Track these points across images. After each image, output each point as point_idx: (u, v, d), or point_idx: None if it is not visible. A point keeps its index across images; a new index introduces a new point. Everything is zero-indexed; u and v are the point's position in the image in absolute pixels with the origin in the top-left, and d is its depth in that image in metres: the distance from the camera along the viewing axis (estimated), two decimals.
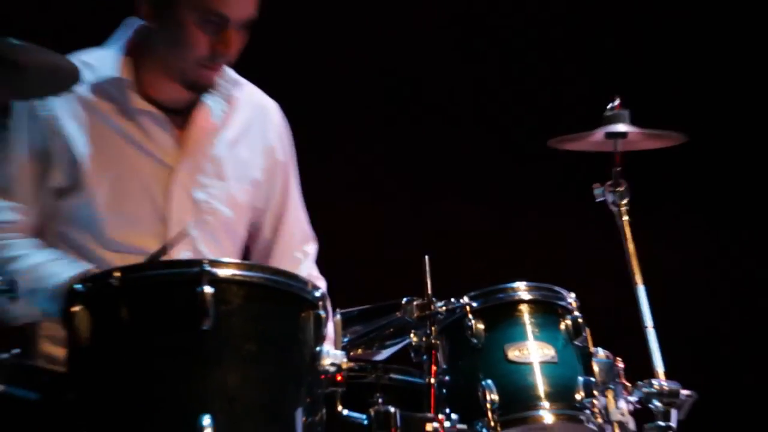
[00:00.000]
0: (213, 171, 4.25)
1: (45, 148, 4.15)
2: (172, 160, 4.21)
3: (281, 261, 4.40)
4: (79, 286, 3.45)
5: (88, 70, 4.15)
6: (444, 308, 3.69)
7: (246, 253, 4.43)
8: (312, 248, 4.53)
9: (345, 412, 3.53)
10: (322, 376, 3.46)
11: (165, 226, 4.17)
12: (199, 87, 4.17)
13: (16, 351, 3.80)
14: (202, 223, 4.22)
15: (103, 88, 4.18)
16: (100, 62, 4.20)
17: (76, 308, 3.41)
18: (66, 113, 4.16)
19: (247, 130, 4.34)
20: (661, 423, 3.85)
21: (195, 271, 3.37)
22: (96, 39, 4.32)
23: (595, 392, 3.71)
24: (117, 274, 3.44)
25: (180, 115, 4.22)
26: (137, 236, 4.14)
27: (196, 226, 4.20)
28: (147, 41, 4.16)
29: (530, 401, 3.66)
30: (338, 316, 3.62)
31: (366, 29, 4.33)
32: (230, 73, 4.26)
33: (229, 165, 4.28)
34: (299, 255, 4.48)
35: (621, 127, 4.35)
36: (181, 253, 4.09)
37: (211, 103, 4.24)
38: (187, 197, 4.21)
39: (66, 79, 3.84)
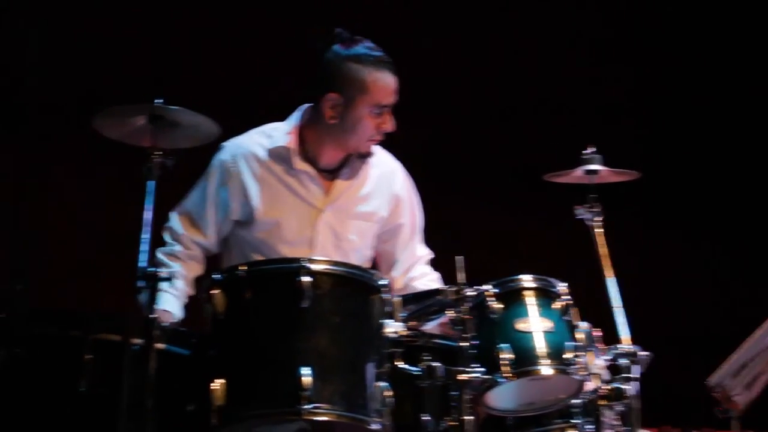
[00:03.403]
0: (349, 212, 4.25)
1: (228, 193, 4.20)
2: (321, 204, 4.21)
3: (397, 272, 4.42)
4: (217, 276, 3.47)
5: (268, 138, 4.23)
6: (472, 293, 3.63)
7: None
8: (423, 266, 4.48)
9: (402, 365, 3.50)
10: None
11: (311, 249, 4.18)
12: (368, 155, 4.22)
13: (174, 320, 3.79)
14: (336, 248, 4.23)
15: (278, 154, 4.20)
16: (276, 133, 4.23)
17: (215, 291, 3.43)
18: (247, 169, 4.20)
19: (378, 183, 4.32)
20: (626, 375, 3.78)
21: (297, 266, 3.41)
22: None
23: (580, 353, 3.65)
24: (243, 267, 3.48)
25: (329, 173, 4.23)
26: (290, 255, 4.11)
27: (333, 249, 4.20)
28: (319, 128, 4.17)
29: (534, 359, 3.60)
30: (397, 298, 3.56)
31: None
32: None
33: (362, 208, 4.28)
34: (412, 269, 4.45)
35: (594, 167, 4.28)
36: None
37: (352, 165, 4.25)
38: (329, 231, 4.22)
39: (207, 134, 3.80)
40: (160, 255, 4.20)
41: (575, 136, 4.37)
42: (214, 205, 4.22)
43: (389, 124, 4.13)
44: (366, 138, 4.14)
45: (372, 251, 4.39)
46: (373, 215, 4.31)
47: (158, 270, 3.39)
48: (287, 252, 4.15)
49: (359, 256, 4.30)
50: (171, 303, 4.05)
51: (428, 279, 4.40)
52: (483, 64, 6.46)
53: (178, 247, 4.22)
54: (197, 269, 4.24)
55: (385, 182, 4.35)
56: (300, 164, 4.18)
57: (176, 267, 4.17)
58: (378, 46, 4.14)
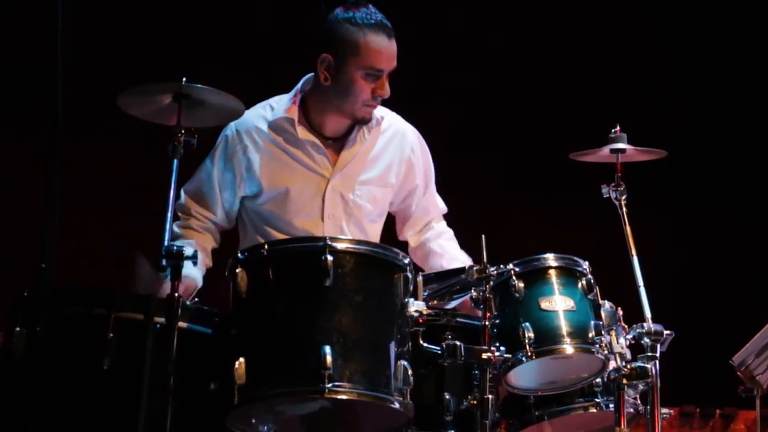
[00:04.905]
0: (357, 179, 4.17)
1: (232, 168, 4.14)
2: (328, 173, 4.13)
3: (412, 230, 4.36)
4: (240, 255, 3.42)
5: (271, 110, 4.17)
6: (495, 272, 3.56)
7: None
8: (437, 224, 4.40)
9: (425, 344, 3.45)
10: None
11: (322, 218, 4.12)
12: (364, 120, 4.12)
13: (196, 300, 3.75)
14: (348, 215, 4.16)
15: (280, 124, 4.13)
16: (279, 105, 4.17)
17: (238, 270, 3.38)
18: (251, 143, 4.14)
19: (387, 148, 4.23)
20: (649, 354, 3.71)
21: (320, 244, 3.35)
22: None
23: (603, 332, 3.58)
24: (266, 246, 3.44)
25: (336, 141, 4.15)
26: (302, 225, 4.10)
27: (345, 217, 4.14)
28: (318, 93, 4.10)
29: (556, 338, 3.54)
30: (420, 277, 3.49)
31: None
32: (378, 108, 4.18)
33: (371, 174, 4.19)
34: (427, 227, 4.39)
35: (621, 146, 4.20)
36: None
37: (359, 132, 4.17)
38: (338, 198, 4.14)
39: (234, 112, 3.76)
40: (175, 228, 4.15)
41: (602, 116, 4.31)
42: (219, 183, 4.16)
43: (384, 90, 4.03)
44: (360, 102, 4.04)
45: (384, 216, 4.32)
46: (383, 180, 4.22)
47: (183, 248, 3.33)
48: (298, 223, 4.11)
49: (374, 223, 4.23)
50: (192, 270, 3.95)
51: (444, 239, 4.34)
52: (511, 42, 6.40)
53: (191, 221, 4.19)
54: (212, 241, 4.20)
55: (396, 146, 4.26)
56: (304, 134, 4.12)
57: (191, 240, 4.13)
58: (384, 13, 4.06)
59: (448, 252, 4.30)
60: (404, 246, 4.27)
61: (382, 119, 4.20)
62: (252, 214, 4.18)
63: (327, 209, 4.12)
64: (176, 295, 3.28)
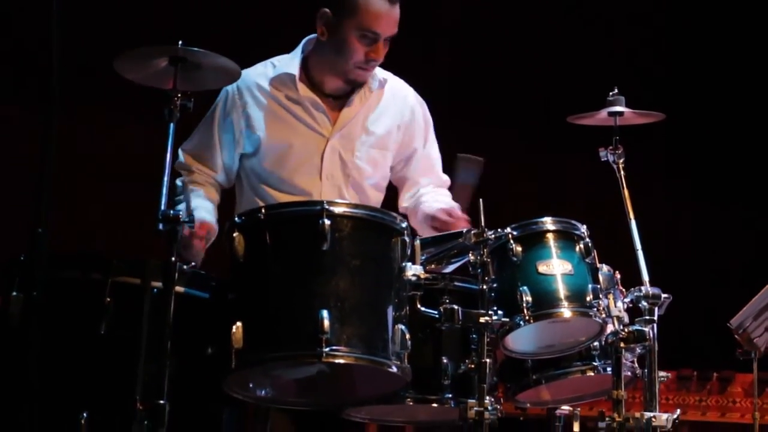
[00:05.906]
0: (357, 140, 4.15)
1: (232, 124, 4.13)
2: (327, 132, 4.11)
3: (409, 193, 4.33)
4: (237, 219, 3.41)
5: (273, 68, 4.16)
6: (493, 236, 3.54)
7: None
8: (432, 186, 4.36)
9: (422, 308, 3.42)
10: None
11: (319, 178, 4.09)
12: (356, 83, 4.11)
13: (193, 264, 3.72)
14: (346, 176, 4.13)
15: (281, 81, 4.12)
16: (281, 63, 4.16)
17: (235, 234, 3.37)
18: (251, 100, 4.12)
19: (388, 111, 4.21)
20: (647, 317, 3.69)
21: (318, 208, 3.33)
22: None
23: (600, 295, 3.57)
24: (263, 210, 3.42)
25: (337, 101, 4.14)
26: (300, 184, 4.08)
27: (343, 178, 4.12)
28: (318, 51, 4.10)
29: (554, 302, 3.52)
30: (418, 241, 3.48)
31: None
32: (379, 71, 4.17)
33: (370, 136, 4.17)
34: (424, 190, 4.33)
35: (619, 108, 4.16)
36: (329, 197, 4.03)
37: (360, 92, 4.14)
38: (337, 158, 4.12)
39: (230, 76, 3.73)
40: (179, 182, 4.16)
41: (600, 78, 4.27)
42: (219, 139, 4.15)
43: (378, 54, 4.02)
44: (353, 63, 4.03)
45: (386, 182, 4.29)
46: (383, 143, 4.20)
47: (179, 212, 3.31)
48: (296, 182, 4.09)
49: (374, 185, 4.21)
50: (207, 215, 4.00)
51: (439, 194, 4.28)
52: (509, 5, 6.36)
53: (194, 175, 4.17)
54: (216, 194, 4.19)
55: (397, 110, 4.24)
56: (305, 91, 4.11)
57: (199, 190, 4.13)
58: None
59: (438, 195, 4.25)
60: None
61: (385, 81, 4.18)
62: (250, 173, 4.15)
63: (325, 169, 4.10)
64: (173, 259, 3.26)
